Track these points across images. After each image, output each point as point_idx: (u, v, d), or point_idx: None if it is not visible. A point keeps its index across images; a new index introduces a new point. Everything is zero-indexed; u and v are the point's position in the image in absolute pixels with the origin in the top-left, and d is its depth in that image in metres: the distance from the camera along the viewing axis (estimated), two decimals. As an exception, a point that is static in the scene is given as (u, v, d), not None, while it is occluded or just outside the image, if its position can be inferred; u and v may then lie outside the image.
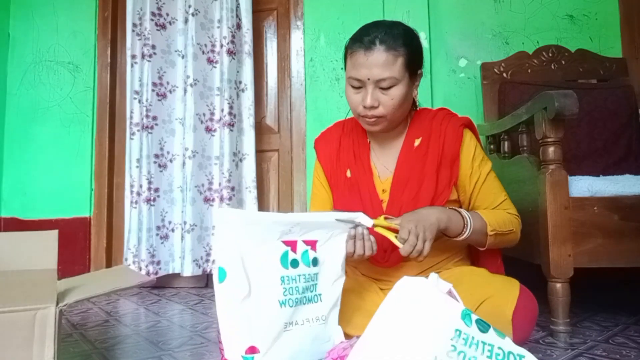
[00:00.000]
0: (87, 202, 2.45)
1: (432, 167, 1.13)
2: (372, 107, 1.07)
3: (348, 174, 1.21)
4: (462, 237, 1.04)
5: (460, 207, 1.16)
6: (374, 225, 0.98)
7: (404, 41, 1.06)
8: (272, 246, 0.88)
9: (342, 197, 1.21)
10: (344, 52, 1.15)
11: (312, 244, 0.93)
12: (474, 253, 1.23)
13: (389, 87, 1.06)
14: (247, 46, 2.34)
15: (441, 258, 1.16)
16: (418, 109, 1.23)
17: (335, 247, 0.96)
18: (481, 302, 0.94)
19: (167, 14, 2.38)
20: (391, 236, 0.96)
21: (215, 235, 0.86)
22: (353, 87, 1.10)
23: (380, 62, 1.04)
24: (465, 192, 1.16)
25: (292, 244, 0.90)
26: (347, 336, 0.96)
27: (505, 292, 0.95)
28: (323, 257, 0.94)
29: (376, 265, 1.17)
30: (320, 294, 0.93)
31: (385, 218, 1.01)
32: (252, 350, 0.82)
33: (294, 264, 0.90)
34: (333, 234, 0.95)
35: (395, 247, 1.10)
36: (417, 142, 1.17)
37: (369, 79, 1.05)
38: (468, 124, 1.18)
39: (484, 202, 1.15)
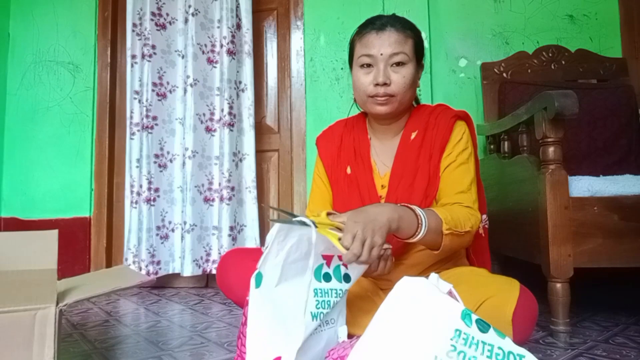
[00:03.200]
0: (87, 202, 2.45)
1: (425, 158, 1.13)
2: (385, 84, 1.08)
3: (348, 170, 1.21)
4: (416, 239, 0.95)
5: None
6: (317, 225, 0.83)
7: (411, 27, 1.13)
8: (312, 259, 0.87)
9: (341, 194, 1.21)
10: (350, 43, 1.17)
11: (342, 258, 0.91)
12: (467, 251, 1.23)
13: (401, 65, 1.08)
14: (247, 46, 2.34)
15: (439, 257, 1.15)
16: (418, 105, 1.24)
17: (359, 265, 0.93)
18: (481, 302, 0.93)
19: (167, 14, 2.38)
20: (334, 239, 0.83)
21: (267, 244, 0.83)
22: (363, 67, 1.11)
23: (392, 39, 1.08)
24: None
25: (327, 258, 0.89)
26: (350, 336, 0.96)
27: (505, 292, 0.94)
28: (351, 274, 0.93)
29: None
30: (334, 300, 0.92)
31: (329, 214, 0.91)
32: None
33: (327, 277, 0.89)
34: None
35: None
36: (413, 136, 1.17)
37: (381, 54, 1.08)
38: (463, 117, 1.17)
39: (448, 187, 1.10)
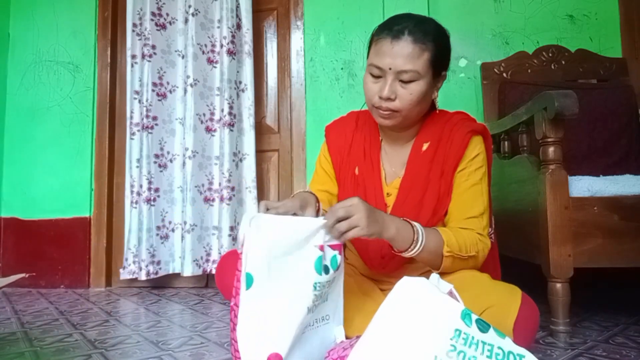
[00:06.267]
0: (87, 202, 2.45)
1: (437, 173, 1.08)
2: (389, 99, 1.02)
3: (356, 171, 1.18)
4: (409, 254, 0.97)
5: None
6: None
7: (433, 37, 1.02)
8: (306, 252, 0.85)
9: (346, 195, 1.17)
10: (369, 40, 1.09)
11: (338, 248, 0.91)
12: None
13: (410, 81, 1.01)
14: (247, 46, 2.34)
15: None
16: (435, 111, 1.15)
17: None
18: (482, 312, 0.92)
19: (167, 14, 2.38)
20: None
21: (246, 241, 0.83)
22: (372, 75, 1.05)
23: (405, 52, 0.99)
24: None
25: (323, 249, 0.87)
26: (348, 337, 0.96)
27: (507, 302, 0.93)
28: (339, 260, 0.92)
29: (374, 270, 1.16)
30: (327, 293, 0.91)
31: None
32: (275, 356, 0.80)
33: (326, 270, 0.87)
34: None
35: (394, 256, 1.07)
36: (425, 147, 1.12)
37: (390, 69, 1.00)
38: (480, 131, 1.11)
39: (458, 211, 1.07)
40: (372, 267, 1.15)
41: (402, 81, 1.01)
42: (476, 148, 1.09)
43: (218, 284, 1.15)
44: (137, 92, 2.31)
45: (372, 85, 1.05)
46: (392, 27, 1.02)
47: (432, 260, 1.00)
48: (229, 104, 2.27)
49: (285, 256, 0.84)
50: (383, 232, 0.92)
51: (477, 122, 1.13)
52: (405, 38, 1.00)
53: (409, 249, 0.96)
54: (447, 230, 1.02)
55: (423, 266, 1.13)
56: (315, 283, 0.85)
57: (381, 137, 1.19)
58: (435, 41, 1.03)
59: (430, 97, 1.08)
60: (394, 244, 0.96)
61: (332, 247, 0.90)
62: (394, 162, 1.17)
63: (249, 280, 0.82)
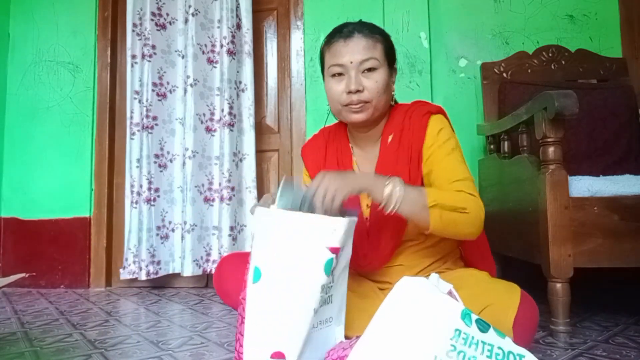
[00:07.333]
0: (87, 202, 2.45)
1: (404, 162, 1.09)
2: (358, 91, 1.06)
3: None
4: (390, 205, 0.93)
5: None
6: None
7: (380, 32, 1.12)
8: (317, 252, 0.83)
9: None
10: (320, 53, 1.16)
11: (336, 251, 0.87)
12: (466, 252, 1.21)
13: (372, 70, 1.07)
14: (247, 46, 2.34)
15: (434, 258, 1.15)
16: (395, 105, 1.19)
17: (347, 249, 0.91)
18: (481, 309, 0.92)
19: (167, 14, 2.38)
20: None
21: (256, 235, 0.83)
22: (334, 76, 1.09)
23: (361, 47, 1.07)
24: (425, 166, 1.09)
25: (336, 251, 0.83)
26: (348, 337, 0.96)
27: (506, 299, 0.93)
28: (343, 261, 0.91)
29: (358, 269, 1.15)
30: (332, 295, 0.90)
31: None
32: (279, 355, 0.80)
33: (335, 271, 0.85)
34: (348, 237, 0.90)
35: (376, 250, 1.10)
36: (389, 139, 1.14)
37: (351, 62, 1.06)
38: (436, 112, 1.12)
39: (440, 177, 1.05)
40: (357, 267, 1.14)
41: (365, 71, 1.07)
42: (437, 124, 1.11)
43: (216, 288, 1.15)
44: (137, 92, 2.31)
45: (337, 85, 1.09)
46: (342, 30, 1.10)
47: (418, 213, 0.96)
48: (229, 104, 2.27)
49: (295, 253, 0.82)
50: (359, 182, 0.94)
51: (433, 105, 1.16)
52: (357, 36, 1.08)
53: (388, 198, 0.93)
54: (431, 188, 1.02)
55: (413, 265, 1.13)
56: (323, 285, 0.83)
57: (351, 144, 1.23)
58: (382, 35, 1.12)
59: (390, 89, 1.14)
60: (372, 195, 0.95)
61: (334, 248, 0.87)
62: (367, 163, 1.19)
63: (257, 274, 0.82)
